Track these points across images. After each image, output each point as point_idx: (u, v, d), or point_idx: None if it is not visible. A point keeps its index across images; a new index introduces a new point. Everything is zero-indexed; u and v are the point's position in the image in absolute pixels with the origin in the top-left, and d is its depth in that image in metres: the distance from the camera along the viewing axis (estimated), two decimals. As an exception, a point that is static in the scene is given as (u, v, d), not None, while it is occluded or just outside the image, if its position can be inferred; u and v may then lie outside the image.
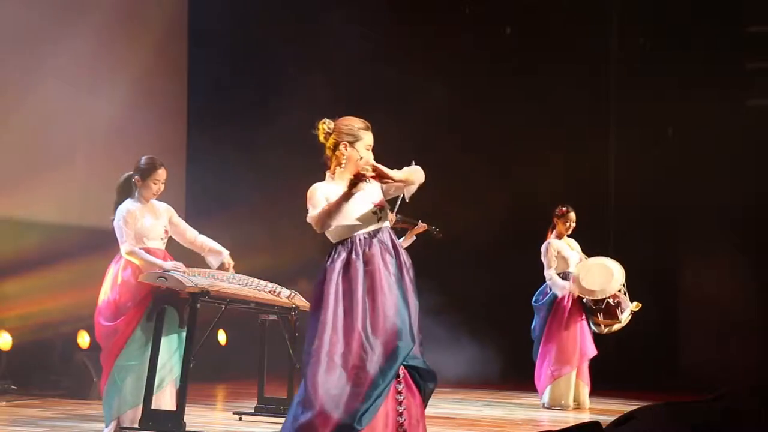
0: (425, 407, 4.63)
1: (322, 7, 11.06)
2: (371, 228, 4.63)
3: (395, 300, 4.49)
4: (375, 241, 4.59)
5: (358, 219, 4.61)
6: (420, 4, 11.64)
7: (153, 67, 10.50)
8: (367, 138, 4.70)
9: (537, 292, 8.90)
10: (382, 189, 4.70)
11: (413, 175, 4.64)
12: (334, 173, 4.71)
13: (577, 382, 8.65)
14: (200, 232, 6.29)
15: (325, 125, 4.74)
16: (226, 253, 6.20)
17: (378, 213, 4.64)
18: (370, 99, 10.17)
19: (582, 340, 8.63)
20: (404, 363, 4.47)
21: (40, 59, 9.36)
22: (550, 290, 8.68)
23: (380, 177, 4.54)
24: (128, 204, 6.03)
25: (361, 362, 4.39)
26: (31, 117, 9.24)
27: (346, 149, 4.67)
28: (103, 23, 10.00)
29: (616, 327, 8.57)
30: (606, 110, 11.67)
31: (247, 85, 11.53)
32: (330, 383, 4.37)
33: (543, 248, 8.74)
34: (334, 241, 4.69)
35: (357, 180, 4.46)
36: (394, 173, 4.56)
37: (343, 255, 4.58)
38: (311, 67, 11.31)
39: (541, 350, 8.70)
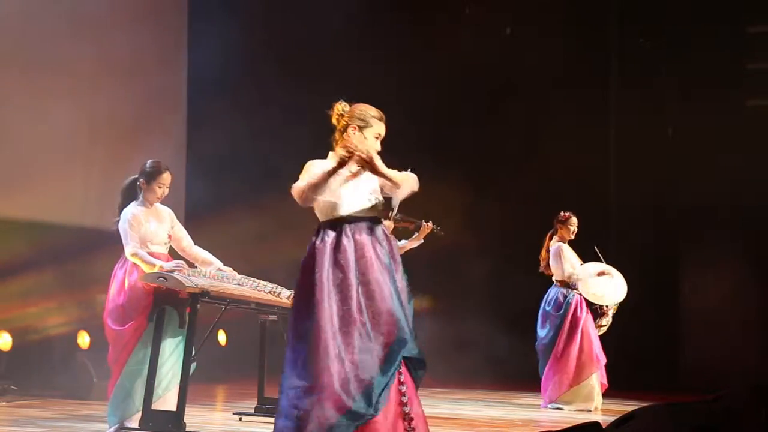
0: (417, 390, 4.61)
1: (322, 8, 11.05)
2: (362, 214, 4.57)
3: (389, 291, 4.45)
4: (365, 227, 4.54)
5: (349, 201, 4.56)
6: (420, 3, 11.63)
7: (153, 66, 10.49)
8: (378, 127, 4.68)
9: (546, 300, 8.73)
10: (379, 184, 4.66)
11: (405, 180, 4.62)
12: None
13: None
14: (201, 232, 6.30)
15: (340, 107, 4.74)
16: (218, 263, 6.19)
17: (372, 201, 4.60)
18: (370, 99, 10.16)
19: (597, 344, 8.63)
20: (404, 354, 4.44)
21: (39, 59, 9.35)
22: (564, 298, 8.56)
23: (370, 165, 4.51)
24: (133, 208, 6.05)
25: (363, 352, 4.37)
26: (30, 117, 9.23)
27: (354, 132, 4.65)
28: (102, 22, 9.99)
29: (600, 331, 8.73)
30: (606, 110, 11.67)
31: (248, 85, 11.53)
32: (334, 370, 4.33)
33: (553, 251, 8.66)
34: (321, 219, 4.63)
35: (346, 157, 4.46)
36: (384, 169, 4.53)
37: (332, 236, 4.52)
38: (311, 68, 11.31)
39: (555, 359, 8.54)
